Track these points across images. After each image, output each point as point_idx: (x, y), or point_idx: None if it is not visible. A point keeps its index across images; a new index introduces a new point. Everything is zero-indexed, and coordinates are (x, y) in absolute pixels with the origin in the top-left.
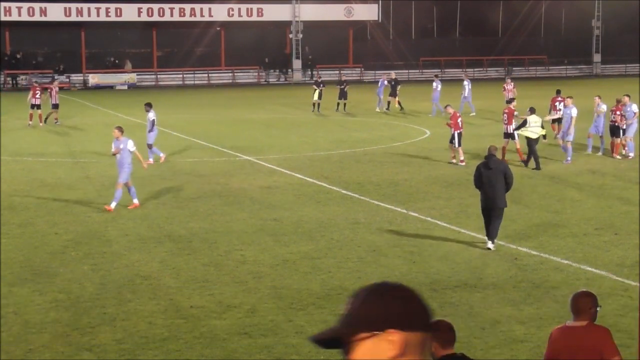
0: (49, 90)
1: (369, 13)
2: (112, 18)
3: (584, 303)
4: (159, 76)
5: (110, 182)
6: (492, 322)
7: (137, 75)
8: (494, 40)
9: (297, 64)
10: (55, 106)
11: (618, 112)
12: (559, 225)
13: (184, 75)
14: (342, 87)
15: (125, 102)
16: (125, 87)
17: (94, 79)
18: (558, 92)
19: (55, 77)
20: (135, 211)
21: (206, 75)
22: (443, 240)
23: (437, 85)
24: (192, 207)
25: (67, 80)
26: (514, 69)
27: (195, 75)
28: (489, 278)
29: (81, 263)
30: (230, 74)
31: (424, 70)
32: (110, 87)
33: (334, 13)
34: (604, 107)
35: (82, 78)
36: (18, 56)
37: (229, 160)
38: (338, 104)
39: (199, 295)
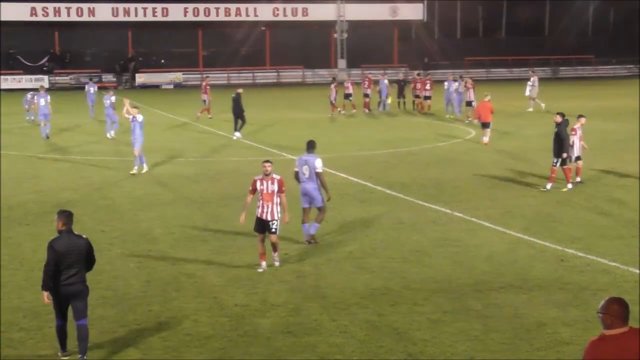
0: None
1: (414, 12)
2: (159, 18)
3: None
4: (204, 75)
5: (155, 180)
6: (538, 324)
7: (183, 74)
8: (540, 40)
9: (341, 63)
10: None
11: None
12: (606, 226)
13: (229, 75)
14: (401, 85)
15: (171, 101)
16: (171, 87)
17: (140, 78)
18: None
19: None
20: (180, 210)
21: (251, 74)
22: (488, 241)
23: (449, 85)
24: (237, 205)
25: (115, 79)
26: (560, 68)
27: (240, 74)
28: (535, 280)
29: (127, 261)
30: (275, 74)
31: (469, 70)
32: (156, 87)
33: (379, 12)
34: None
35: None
36: (67, 56)
37: (273, 160)
38: (399, 102)
39: (243, 293)
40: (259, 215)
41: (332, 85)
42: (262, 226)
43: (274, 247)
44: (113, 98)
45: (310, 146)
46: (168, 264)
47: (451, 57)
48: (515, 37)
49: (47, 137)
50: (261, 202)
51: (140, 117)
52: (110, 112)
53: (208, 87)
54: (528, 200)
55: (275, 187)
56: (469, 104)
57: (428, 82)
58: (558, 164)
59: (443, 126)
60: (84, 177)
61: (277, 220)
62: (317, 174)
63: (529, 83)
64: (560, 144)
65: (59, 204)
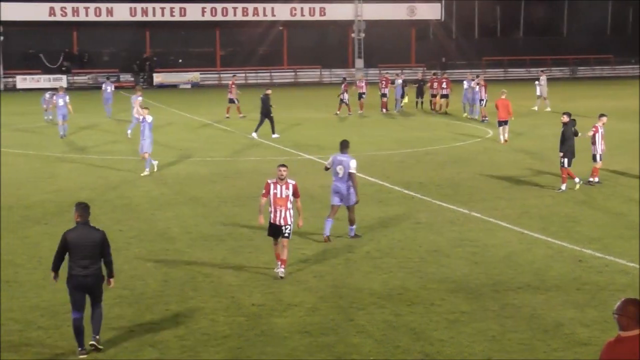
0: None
1: (431, 12)
2: (177, 18)
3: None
4: (221, 75)
5: (173, 181)
6: (556, 325)
7: (201, 74)
8: (558, 40)
9: (359, 63)
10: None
11: None
12: (625, 227)
13: (247, 75)
14: (419, 85)
15: (189, 101)
16: (189, 86)
17: (158, 78)
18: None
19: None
20: (197, 209)
21: (268, 74)
22: (505, 241)
23: (468, 84)
24: (254, 205)
25: (133, 79)
26: (578, 68)
27: (258, 74)
28: (552, 280)
29: (144, 260)
30: (293, 74)
31: (486, 70)
32: (174, 86)
33: (397, 12)
34: None
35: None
36: (85, 56)
37: (290, 159)
38: (417, 102)
39: (260, 293)
40: (272, 221)
41: (343, 85)
42: (275, 231)
43: (283, 256)
44: (140, 98)
45: (344, 146)
46: (185, 263)
47: (469, 57)
48: (533, 37)
49: (64, 136)
50: (273, 206)
51: (149, 118)
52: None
53: (234, 86)
54: (545, 200)
55: (290, 192)
56: (480, 102)
57: (445, 81)
58: (566, 163)
59: (460, 126)
60: (101, 176)
61: (290, 225)
62: (350, 175)
63: (537, 82)
64: (565, 143)
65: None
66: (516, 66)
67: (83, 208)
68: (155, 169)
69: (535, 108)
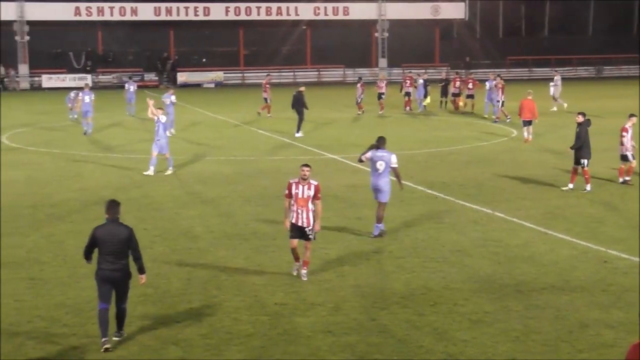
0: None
1: (455, 11)
2: (200, 17)
3: None
4: (245, 74)
5: (196, 179)
6: (580, 326)
7: (224, 73)
8: (583, 39)
9: (382, 62)
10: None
11: None
12: None
13: (270, 74)
14: (444, 84)
15: (212, 101)
16: (212, 86)
17: (182, 77)
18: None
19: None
20: (220, 208)
21: (292, 74)
22: (529, 242)
23: (490, 84)
24: (277, 204)
25: (157, 78)
26: (604, 67)
27: (281, 73)
28: (577, 281)
29: (168, 258)
30: (316, 73)
31: (510, 70)
32: (197, 85)
33: (420, 11)
34: None
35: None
36: (110, 55)
37: (313, 159)
38: (441, 102)
39: (283, 292)
40: (293, 221)
41: (359, 85)
42: (298, 232)
43: (306, 258)
44: (173, 97)
45: (382, 142)
46: (208, 262)
47: (493, 57)
48: (558, 36)
49: (89, 134)
50: (295, 207)
51: (163, 118)
52: (170, 110)
53: (268, 85)
54: (570, 200)
55: (312, 193)
56: (496, 103)
57: (471, 81)
58: (587, 163)
59: (484, 125)
60: (125, 175)
61: (312, 226)
62: (393, 169)
63: (552, 83)
64: (581, 143)
65: (101, 202)
66: (541, 66)
67: (110, 205)
68: (149, 172)
69: (554, 109)
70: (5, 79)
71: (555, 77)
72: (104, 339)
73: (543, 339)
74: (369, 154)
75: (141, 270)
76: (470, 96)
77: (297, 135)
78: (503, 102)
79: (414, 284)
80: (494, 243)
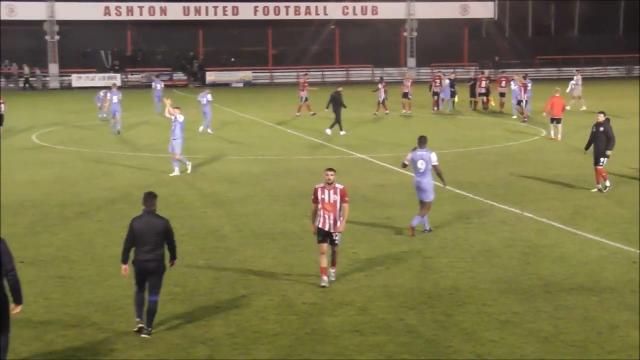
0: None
1: (484, 10)
2: (229, 17)
3: None
4: (273, 74)
5: (223, 178)
6: (609, 327)
7: (253, 73)
8: (613, 38)
9: (411, 62)
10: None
11: None
12: None
13: (299, 73)
14: (472, 84)
15: (241, 100)
16: (241, 85)
17: (210, 76)
18: None
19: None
20: (248, 207)
21: (320, 73)
22: (558, 242)
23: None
24: (305, 204)
25: (185, 77)
26: (635, 67)
27: (310, 73)
28: (606, 281)
29: (196, 257)
30: (344, 72)
31: (540, 69)
32: (226, 85)
33: (449, 11)
34: None
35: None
36: (139, 54)
37: (342, 158)
38: (471, 101)
39: (311, 291)
40: (320, 226)
41: (380, 85)
42: (324, 236)
43: (334, 260)
44: (209, 96)
45: (423, 141)
46: (236, 261)
47: (522, 56)
48: (588, 36)
49: (118, 133)
50: (322, 211)
51: (181, 118)
52: (207, 109)
53: (306, 84)
54: (599, 200)
55: (338, 197)
56: (519, 103)
57: (503, 79)
58: (604, 162)
59: (512, 125)
60: (154, 174)
61: (340, 232)
62: (434, 167)
63: (572, 82)
64: (607, 142)
65: (130, 201)
66: (571, 65)
67: (147, 198)
68: (189, 170)
69: (584, 107)
70: (31, 79)
71: (576, 77)
72: (138, 319)
73: (572, 340)
74: (409, 156)
75: (174, 257)
76: (502, 94)
77: (327, 132)
78: (526, 101)
79: (442, 284)
80: (522, 243)
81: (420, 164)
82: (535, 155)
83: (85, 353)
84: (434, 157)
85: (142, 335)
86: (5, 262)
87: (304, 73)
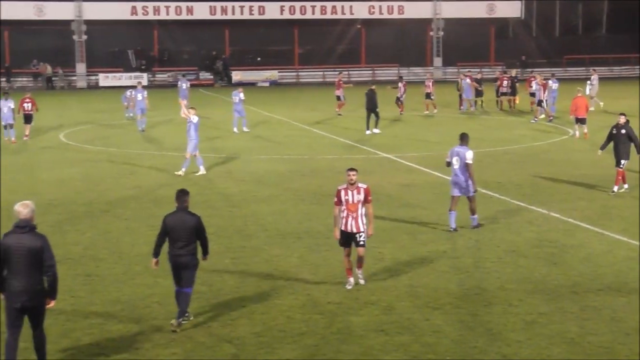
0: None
1: (511, 10)
2: (255, 16)
3: None
4: (299, 73)
5: (249, 178)
6: (637, 329)
7: (279, 72)
8: None
9: (437, 61)
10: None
11: None
12: None
13: (325, 73)
14: (498, 83)
15: (267, 99)
16: (267, 84)
17: (236, 76)
18: None
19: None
20: (274, 207)
21: (346, 72)
22: (585, 242)
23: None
24: (331, 203)
25: (212, 77)
26: None
27: (336, 72)
28: (634, 282)
29: (222, 256)
30: (370, 72)
31: (567, 69)
32: (252, 84)
33: (476, 10)
34: None
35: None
36: (166, 54)
37: (367, 158)
38: (497, 101)
39: (336, 291)
40: (343, 228)
41: (401, 84)
42: (348, 239)
43: (360, 262)
44: (242, 95)
45: (463, 138)
46: (262, 260)
47: (549, 56)
48: (616, 35)
49: (143, 131)
50: (345, 212)
51: (195, 119)
52: (239, 107)
53: (342, 82)
54: (627, 201)
55: (362, 197)
56: (539, 103)
57: (533, 79)
58: (624, 164)
59: (539, 125)
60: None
61: (363, 232)
62: (467, 165)
63: (589, 82)
64: (631, 144)
65: (156, 200)
66: (598, 65)
67: (179, 195)
68: (202, 171)
69: (601, 104)
70: (53, 78)
71: (592, 77)
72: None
73: (599, 341)
74: (449, 152)
75: (206, 252)
76: (532, 94)
77: (375, 131)
78: (546, 100)
79: (468, 284)
80: (549, 244)
81: (455, 161)
82: (562, 155)
83: (112, 351)
84: (469, 155)
85: (171, 322)
86: (47, 258)
87: (338, 72)
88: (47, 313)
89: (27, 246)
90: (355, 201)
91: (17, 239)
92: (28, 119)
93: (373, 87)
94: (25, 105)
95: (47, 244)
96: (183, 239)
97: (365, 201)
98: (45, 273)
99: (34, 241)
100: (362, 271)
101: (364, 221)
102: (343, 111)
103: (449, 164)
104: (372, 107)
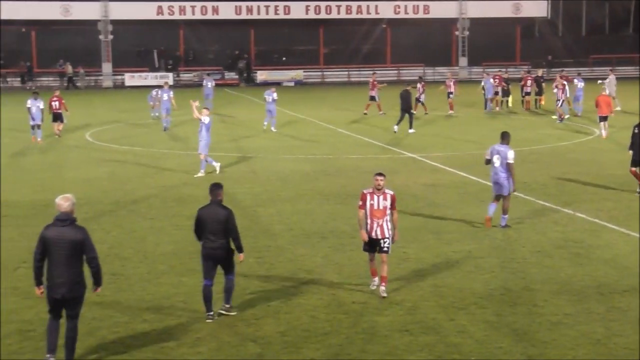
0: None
1: (537, 9)
2: (281, 16)
3: None
4: (325, 73)
5: (275, 177)
6: None
7: (304, 72)
8: None
9: (462, 61)
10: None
11: None
12: None
13: (350, 73)
14: (523, 83)
15: (291, 99)
16: (292, 84)
17: (261, 75)
18: None
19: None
20: (299, 206)
21: (371, 72)
22: (611, 243)
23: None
24: (355, 203)
25: (237, 77)
26: None
27: (361, 72)
28: None
29: (247, 256)
30: (395, 71)
31: (593, 68)
32: (277, 84)
33: (501, 9)
34: None
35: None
36: (191, 54)
37: (392, 158)
38: (522, 101)
39: (360, 291)
40: (367, 233)
41: (419, 85)
42: (372, 245)
43: (383, 273)
44: (275, 94)
45: (504, 137)
46: (287, 259)
47: (576, 55)
48: None
49: (166, 130)
50: (370, 218)
51: (206, 119)
52: (272, 107)
53: (376, 83)
54: None
55: (388, 203)
56: (557, 103)
57: (564, 79)
58: None
59: (565, 125)
60: (205, 172)
61: (388, 238)
62: (508, 165)
63: (606, 81)
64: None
65: (181, 199)
66: (625, 64)
67: (215, 187)
68: (218, 171)
69: (618, 107)
70: (74, 78)
71: (610, 77)
72: (208, 314)
73: (625, 343)
74: (489, 150)
75: (239, 250)
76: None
77: (410, 131)
78: (563, 101)
79: (493, 284)
80: (574, 244)
81: (496, 159)
82: (588, 155)
83: (136, 350)
84: (510, 155)
85: (220, 311)
86: (89, 250)
87: (373, 72)
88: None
89: (68, 239)
90: (381, 207)
91: (57, 232)
92: (57, 117)
93: (408, 87)
94: (53, 103)
95: (88, 237)
96: (215, 231)
97: (392, 208)
98: (89, 265)
99: (75, 234)
100: (385, 286)
101: (389, 227)
102: (369, 111)
103: (489, 161)
104: (406, 107)
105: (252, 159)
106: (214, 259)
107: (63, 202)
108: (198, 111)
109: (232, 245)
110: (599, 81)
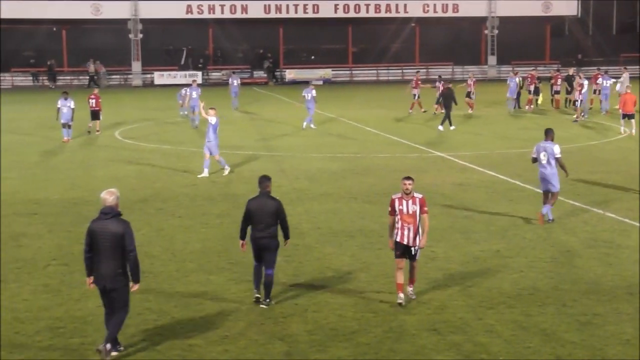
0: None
1: (567, 8)
2: (310, 15)
3: None
4: (353, 72)
5: (303, 175)
6: None
7: (332, 70)
8: None
9: (492, 60)
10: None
11: None
12: None
13: (378, 71)
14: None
15: (320, 98)
16: (321, 83)
17: (290, 74)
18: None
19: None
20: (327, 205)
21: (400, 71)
22: None
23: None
24: (384, 202)
25: (266, 75)
26: None
27: (390, 71)
28: None
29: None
30: (425, 70)
31: (626, 67)
32: (306, 83)
33: (531, 8)
34: None
35: (279, 73)
36: (219, 52)
37: (421, 157)
38: (552, 100)
39: (388, 290)
40: (398, 239)
41: (439, 84)
42: (403, 251)
43: (412, 276)
44: (314, 92)
45: (548, 134)
46: (314, 258)
47: (606, 54)
48: None
49: (196, 127)
50: (400, 223)
51: (213, 120)
52: (310, 105)
53: (419, 81)
54: None
55: (417, 208)
56: (574, 102)
57: (600, 76)
58: None
59: (595, 125)
60: (233, 170)
61: (418, 245)
62: (557, 159)
63: (620, 80)
64: None
65: (210, 197)
66: None
67: (264, 180)
68: (226, 172)
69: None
70: (95, 77)
71: (623, 75)
72: (255, 290)
73: None
74: (535, 148)
75: (286, 237)
76: (594, 92)
77: (439, 128)
78: (581, 101)
79: (521, 284)
80: (604, 244)
81: (543, 156)
82: (617, 154)
83: (164, 347)
84: (556, 150)
85: (261, 306)
86: (128, 243)
87: (417, 71)
88: (101, 310)
89: (110, 231)
90: (411, 212)
91: (101, 225)
92: (94, 115)
93: (450, 85)
94: (90, 101)
95: (129, 230)
96: (264, 222)
97: (421, 212)
98: (127, 258)
99: (117, 227)
100: (413, 287)
101: (421, 232)
102: (414, 109)
103: (535, 159)
104: (449, 104)
105: (280, 157)
106: (262, 247)
107: (108, 196)
108: (205, 111)
109: (279, 238)
110: (619, 79)
